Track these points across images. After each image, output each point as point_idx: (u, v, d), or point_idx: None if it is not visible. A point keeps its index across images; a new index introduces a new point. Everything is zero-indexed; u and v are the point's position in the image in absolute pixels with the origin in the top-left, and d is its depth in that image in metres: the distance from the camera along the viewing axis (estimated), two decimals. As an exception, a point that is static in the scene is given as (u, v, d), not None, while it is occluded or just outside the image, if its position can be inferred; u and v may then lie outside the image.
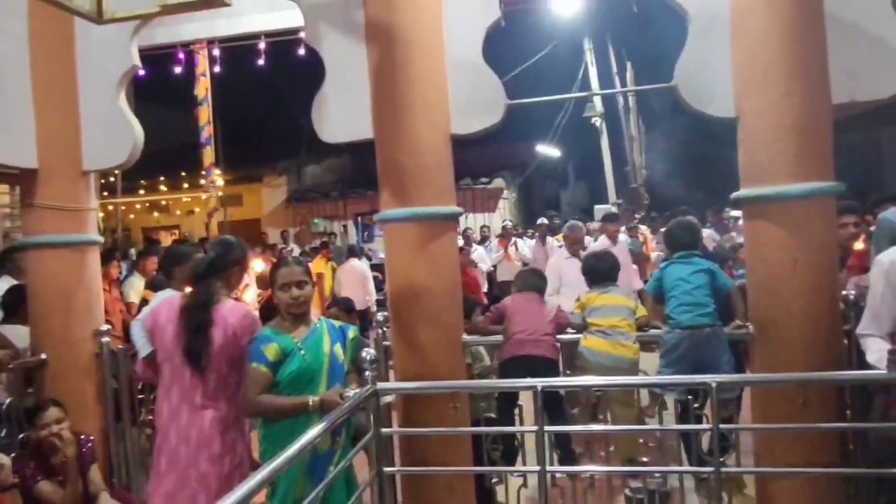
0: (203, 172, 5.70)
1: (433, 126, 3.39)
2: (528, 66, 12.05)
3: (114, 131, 4.03)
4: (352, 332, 3.02)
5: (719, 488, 2.61)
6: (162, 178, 17.46)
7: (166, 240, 13.82)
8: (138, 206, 18.41)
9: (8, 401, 3.83)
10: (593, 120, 14.86)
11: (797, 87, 2.99)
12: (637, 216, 10.69)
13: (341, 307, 5.04)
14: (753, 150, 3.10)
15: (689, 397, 3.42)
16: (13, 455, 3.41)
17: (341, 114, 3.57)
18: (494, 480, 3.71)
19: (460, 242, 6.39)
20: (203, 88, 5.37)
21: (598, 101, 14.50)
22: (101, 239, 4.25)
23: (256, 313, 5.86)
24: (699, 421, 3.25)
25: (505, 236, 10.25)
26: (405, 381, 3.26)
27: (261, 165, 17.96)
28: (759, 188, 3.07)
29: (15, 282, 5.08)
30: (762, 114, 3.04)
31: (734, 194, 3.19)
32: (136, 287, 6.38)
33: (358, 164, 18.37)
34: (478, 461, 3.47)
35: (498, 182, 17.99)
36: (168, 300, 3.25)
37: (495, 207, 17.77)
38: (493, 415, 3.81)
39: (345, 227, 18.19)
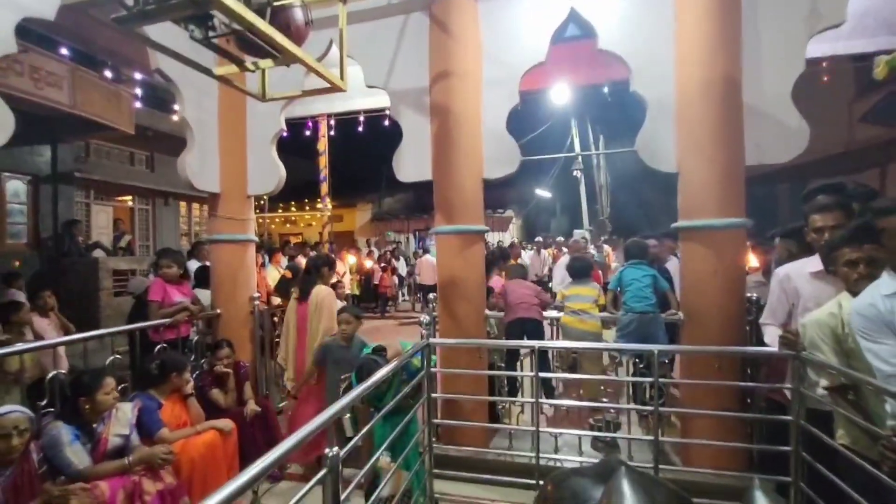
0: (320, 199, 5.83)
1: (471, 173, 3.40)
2: (534, 135, 11.99)
3: (267, 170, 4.13)
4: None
5: (657, 422, 2.53)
6: (292, 202, 17.89)
7: (294, 241, 14.04)
8: (277, 220, 18.88)
9: (195, 338, 3.97)
10: (575, 172, 14.59)
11: (720, 154, 2.91)
12: (602, 238, 10.45)
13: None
14: (689, 195, 3.03)
15: (637, 360, 3.35)
16: (196, 373, 3.52)
17: (412, 163, 3.59)
18: (500, 407, 3.69)
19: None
20: (322, 145, 5.51)
21: (579, 159, 14.24)
22: (256, 238, 4.33)
23: (349, 290, 5.87)
24: (643, 376, 3.17)
25: (514, 248, 10.17)
26: (447, 338, 3.25)
27: (355, 196, 18.22)
28: (692, 221, 2.99)
29: (200, 263, 5.26)
30: (695, 171, 2.97)
31: (674, 224, 3.11)
32: (271, 274, 6.29)
33: (417, 197, 18.46)
34: (491, 395, 3.47)
35: (509, 212, 17.85)
36: None
37: (507, 228, 17.63)
38: (502, 364, 3.80)
39: (407, 238, 18.28)
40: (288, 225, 19.72)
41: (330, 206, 6.97)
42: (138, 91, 8.48)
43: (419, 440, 2.69)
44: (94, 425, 2.61)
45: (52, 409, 2.78)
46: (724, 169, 2.90)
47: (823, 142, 8.10)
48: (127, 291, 7.16)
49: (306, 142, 7.14)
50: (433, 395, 2.79)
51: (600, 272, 7.32)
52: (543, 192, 18.90)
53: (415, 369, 2.64)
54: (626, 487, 0.96)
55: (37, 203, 9.03)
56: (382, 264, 10.73)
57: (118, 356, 3.33)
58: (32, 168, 8.73)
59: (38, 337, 4.00)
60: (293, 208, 18.60)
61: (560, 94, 6.39)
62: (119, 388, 2.77)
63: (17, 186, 8.87)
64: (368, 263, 10.49)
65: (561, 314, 3.77)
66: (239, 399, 3.54)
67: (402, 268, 12.06)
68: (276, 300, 5.06)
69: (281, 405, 4.07)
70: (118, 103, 8.34)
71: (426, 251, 11.95)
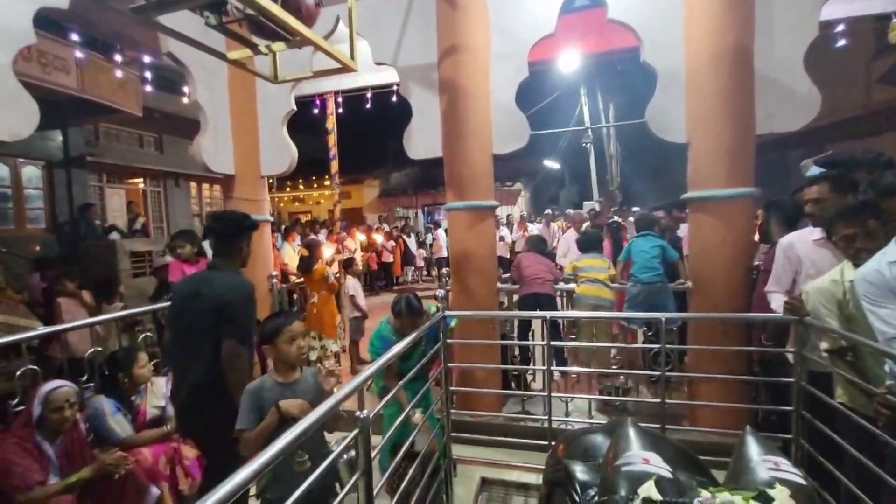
0: (331, 177, 5.90)
1: (481, 148, 3.44)
2: (541, 106, 11.79)
3: (279, 150, 4.20)
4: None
5: (664, 386, 2.65)
6: (300, 180, 17.92)
7: (304, 219, 14.12)
8: (286, 199, 18.95)
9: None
10: (585, 143, 14.38)
11: (730, 124, 2.91)
12: (612, 209, 10.43)
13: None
14: (698, 166, 3.05)
15: (645, 328, 3.45)
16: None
17: (422, 140, 3.63)
18: (514, 376, 3.82)
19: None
20: (331, 123, 5.52)
21: (589, 130, 14.02)
22: (272, 218, 4.45)
23: (360, 267, 5.94)
24: (652, 343, 3.28)
25: (522, 221, 10.22)
26: (460, 311, 3.35)
27: (363, 172, 18.14)
28: (701, 192, 3.02)
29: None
30: (705, 142, 2.99)
31: (683, 195, 3.15)
32: (286, 251, 6.37)
33: (424, 171, 18.36)
34: (504, 363, 3.60)
35: (517, 185, 17.74)
36: None
37: (515, 202, 17.56)
38: (514, 333, 3.92)
39: (416, 213, 18.30)
40: (296, 203, 19.73)
41: (338, 184, 7.02)
42: (145, 73, 8.47)
43: (436, 406, 2.84)
44: (133, 398, 2.80)
45: (92, 384, 2.97)
46: (733, 139, 2.91)
47: (840, 104, 7.91)
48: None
49: (313, 119, 7.11)
50: (449, 364, 2.93)
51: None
52: (552, 164, 18.69)
53: (436, 334, 2.74)
54: (631, 434, 1.06)
55: (52, 188, 9.21)
56: (391, 242, 10.89)
57: (148, 334, 3.51)
58: (45, 153, 8.87)
59: (68, 319, 4.20)
60: (301, 186, 18.62)
61: (569, 64, 6.28)
62: (151, 363, 2.95)
63: (31, 172, 9.04)
64: (379, 239, 10.64)
65: (569, 286, 3.87)
66: (263, 372, 3.72)
67: (412, 244, 12.19)
68: (293, 278, 5.22)
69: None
70: (125, 86, 8.37)
71: (437, 225, 12.11)
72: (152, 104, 9.73)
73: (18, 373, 2.58)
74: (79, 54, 7.19)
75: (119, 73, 8.02)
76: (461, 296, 3.49)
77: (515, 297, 3.94)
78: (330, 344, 4.69)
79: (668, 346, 2.69)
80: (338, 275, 5.23)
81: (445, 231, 10.84)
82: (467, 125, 3.39)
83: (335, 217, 6.27)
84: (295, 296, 4.69)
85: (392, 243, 10.90)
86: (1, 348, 2.55)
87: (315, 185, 18.49)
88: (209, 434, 2.18)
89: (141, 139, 11.43)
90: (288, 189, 18.43)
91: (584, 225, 5.90)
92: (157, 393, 2.90)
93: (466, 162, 3.43)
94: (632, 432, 1.06)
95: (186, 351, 2.19)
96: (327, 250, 5.06)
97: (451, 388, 3.02)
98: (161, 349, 3.65)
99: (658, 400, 2.67)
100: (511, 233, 9.80)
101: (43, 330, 3.34)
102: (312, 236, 7.01)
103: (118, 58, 7.81)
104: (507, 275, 4.19)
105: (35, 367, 2.65)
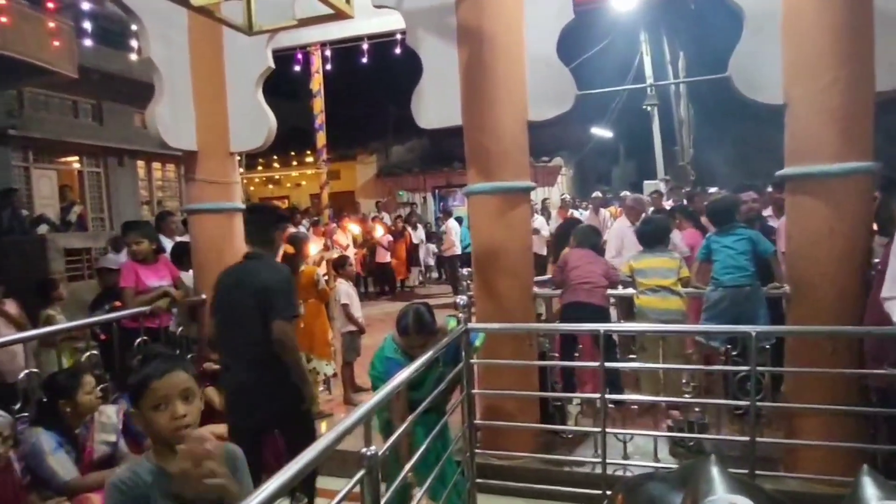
0: (316, 153, 6.01)
1: (513, 114, 3.47)
2: (588, 56, 11.70)
3: (254, 120, 4.28)
4: None
5: (754, 420, 2.66)
6: (275, 157, 18.13)
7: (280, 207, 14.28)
8: (257, 180, 19.20)
9: (180, 329, 4.26)
10: (647, 106, 14.29)
11: (843, 77, 2.89)
12: (684, 190, 10.35)
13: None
14: (799, 134, 3.04)
15: (729, 346, 3.46)
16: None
17: (435, 104, 3.66)
18: (554, 406, 3.81)
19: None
20: (317, 83, 5.61)
21: (652, 90, 13.91)
22: (243, 206, 4.52)
23: (355, 268, 6.00)
24: (738, 366, 3.28)
25: (564, 208, 10.20)
26: (487, 322, 3.38)
27: (355, 146, 18.25)
28: (803, 167, 3.02)
29: (169, 240, 5.53)
30: (809, 101, 2.97)
31: (779, 172, 3.14)
32: None
33: (435, 145, 18.44)
34: (543, 391, 3.64)
35: (557, 160, 17.71)
36: None
37: (554, 182, 17.53)
38: (555, 354, 3.93)
39: (424, 198, 18.39)
40: (270, 186, 20.00)
41: (325, 161, 7.13)
42: (82, 24, 8.67)
43: (455, 446, 2.90)
44: (77, 431, 2.92)
45: (27, 414, 3.10)
46: (845, 98, 2.89)
47: None
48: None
49: (292, 79, 7.22)
50: (473, 391, 2.98)
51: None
52: (602, 132, 18.61)
53: (456, 354, 2.80)
54: (716, 475, 1.10)
55: (-33, 169, 9.50)
56: (389, 237, 10.94)
57: (94, 352, 3.65)
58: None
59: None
60: (276, 164, 18.84)
61: (625, 1, 6.28)
62: (99, 388, 3.07)
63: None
64: (379, 232, 10.73)
65: (626, 291, 3.88)
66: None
67: (419, 237, 12.28)
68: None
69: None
70: (57, 40, 8.59)
71: (448, 214, 12.19)
72: (90, 63, 9.98)
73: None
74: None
75: (50, 24, 8.23)
76: (488, 304, 3.54)
77: (557, 306, 3.97)
78: (322, 366, 4.80)
79: (760, 368, 2.70)
80: (327, 278, 5.33)
81: (458, 221, 10.91)
82: (495, 85, 3.43)
83: (322, 204, 6.38)
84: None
85: (390, 238, 10.97)
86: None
87: (294, 163, 18.66)
88: (270, 413, 2.90)
89: (76, 107, 11.73)
90: (260, 168, 18.66)
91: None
92: (108, 425, 3.01)
93: (494, 132, 3.47)
94: (716, 473, 1.10)
95: (236, 339, 2.93)
96: (313, 247, 5.16)
97: (476, 423, 3.08)
98: (111, 371, 3.79)
99: (745, 438, 2.68)
100: (548, 222, 9.81)
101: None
102: (293, 229, 7.13)
103: (49, 4, 8.00)
104: (546, 277, 4.22)
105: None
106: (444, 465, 2.68)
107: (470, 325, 2.88)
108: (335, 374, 5.04)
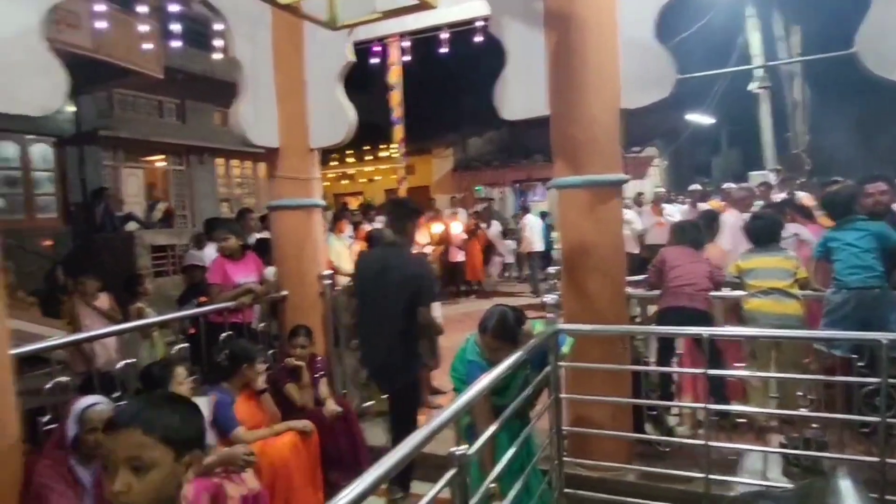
0: (395, 146, 6.20)
1: (605, 102, 3.44)
2: (683, 38, 11.24)
3: (334, 116, 4.48)
4: None
5: (884, 440, 2.52)
6: (349, 152, 18.73)
7: (353, 204, 14.78)
8: (331, 175, 19.89)
9: (261, 325, 4.55)
10: (754, 88, 13.50)
11: None
12: (798, 181, 9.72)
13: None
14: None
15: (854, 356, 3.26)
16: (267, 365, 4.03)
17: (520, 94, 3.68)
18: (651, 413, 3.76)
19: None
20: (395, 75, 5.78)
21: (762, 70, 13.12)
22: (324, 203, 4.76)
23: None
24: (864, 377, 3.09)
25: (657, 202, 9.88)
26: (577, 324, 3.37)
27: (430, 139, 18.46)
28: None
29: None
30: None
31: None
32: (334, 246, 6.52)
33: (515, 137, 18.40)
34: (636, 398, 3.57)
35: (650, 150, 17.16)
36: None
37: (645, 174, 17.00)
38: (650, 359, 3.86)
39: (503, 193, 18.36)
40: (344, 182, 20.57)
41: (404, 156, 7.30)
42: (168, 26, 9.38)
43: (542, 454, 2.92)
44: (170, 421, 3.21)
45: (124, 402, 3.45)
46: None
47: None
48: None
49: (366, 72, 7.44)
50: (562, 395, 3.00)
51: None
52: (700, 119, 17.82)
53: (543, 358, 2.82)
54: (848, 491, 1.07)
55: (63, 169, 10.54)
56: (465, 234, 10.96)
57: (185, 345, 3.99)
58: (55, 128, 10.16)
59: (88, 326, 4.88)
60: (349, 160, 19.36)
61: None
62: (190, 380, 3.35)
63: (43, 151, 10.44)
64: (457, 228, 10.79)
65: (734, 294, 3.74)
66: (315, 398, 4.06)
67: (493, 234, 12.25)
68: (345, 280, 5.56)
69: (366, 404, 4.59)
70: (146, 43, 9.33)
71: (526, 210, 12.14)
72: (175, 63, 10.77)
73: (48, 386, 3.08)
74: (96, 6, 8.11)
75: (140, 28, 8.93)
76: (576, 304, 3.54)
77: (653, 309, 3.90)
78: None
79: (892, 380, 2.54)
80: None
81: (542, 216, 10.85)
82: (585, 71, 3.42)
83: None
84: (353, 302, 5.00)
85: (464, 236, 10.99)
86: (24, 359, 3.04)
87: (368, 158, 19.12)
88: (402, 384, 3.66)
89: (160, 106, 12.70)
90: (334, 164, 19.27)
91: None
92: (197, 417, 3.29)
93: (583, 122, 3.46)
94: (848, 489, 1.07)
95: (379, 318, 3.60)
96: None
97: (564, 429, 3.09)
98: (199, 364, 4.13)
99: (874, 459, 2.53)
100: (640, 217, 9.54)
101: (67, 339, 3.95)
102: (367, 225, 7.37)
103: (140, 9, 8.68)
104: (641, 277, 4.14)
105: (66, 380, 3.15)
106: (530, 474, 2.72)
107: (560, 327, 2.90)
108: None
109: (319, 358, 4.30)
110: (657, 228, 9.00)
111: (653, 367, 3.67)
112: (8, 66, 2.82)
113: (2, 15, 2.80)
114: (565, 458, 3.06)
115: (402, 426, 3.53)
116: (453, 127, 18.76)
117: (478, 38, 5.73)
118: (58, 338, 3.94)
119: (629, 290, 3.70)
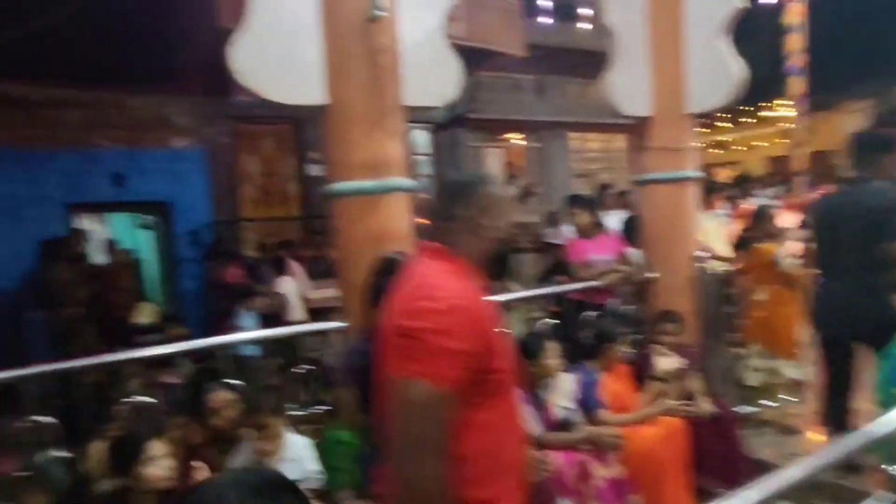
0: (779, 104, 5.56)
1: None
2: None
3: (713, 73, 4.27)
4: None
5: None
6: (720, 115, 17.14)
7: (721, 176, 13.79)
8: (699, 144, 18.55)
9: (628, 308, 4.68)
10: None
11: None
12: None
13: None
14: None
15: None
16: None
17: None
18: None
19: None
20: (795, 14, 5.12)
21: None
22: (699, 175, 4.60)
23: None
24: None
25: None
26: None
27: (837, 91, 15.53)
28: None
29: (605, 213, 6.01)
30: None
31: None
32: (705, 224, 6.35)
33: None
34: None
35: None
36: None
37: None
38: None
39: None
40: (714, 150, 18.71)
41: (793, 114, 6.44)
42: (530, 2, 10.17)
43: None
44: (537, 391, 3.59)
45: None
46: None
47: None
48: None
49: (750, 15, 6.84)
50: None
51: None
52: None
53: None
54: None
55: (438, 153, 12.56)
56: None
57: (551, 320, 4.41)
58: (431, 114, 12.12)
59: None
60: (721, 124, 17.39)
61: None
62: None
63: (421, 137, 12.62)
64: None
65: None
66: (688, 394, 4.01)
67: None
68: (719, 263, 5.29)
69: (751, 410, 4.43)
70: (509, 22, 10.34)
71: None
72: (534, 39, 11.67)
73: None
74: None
75: (506, 8, 9.94)
76: None
77: None
78: (785, 367, 4.58)
79: None
80: (797, 259, 4.92)
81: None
82: None
83: (791, 168, 5.85)
84: (732, 289, 4.76)
85: None
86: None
87: (745, 120, 17.26)
88: (863, 326, 3.52)
89: (518, 84, 13.95)
90: (705, 130, 17.92)
91: None
92: (565, 391, 3.62)
93: None
94: None
95: (841, 255, 3.61)
96: (787, 221, 4.87)
97: None
98: (562, 341, 4.51)
99: None
100: None
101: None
102: (751, 201, 6.78)
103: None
104: None
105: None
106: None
107: None
108: (802, 381, 4.67)
109: (690, 349, 4.23)
110: None
111: None
112: (418, 64, 3.53)
113: (414, 19, 3.53)
114: None
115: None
116: (869, 73, 15.43)
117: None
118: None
119: None
